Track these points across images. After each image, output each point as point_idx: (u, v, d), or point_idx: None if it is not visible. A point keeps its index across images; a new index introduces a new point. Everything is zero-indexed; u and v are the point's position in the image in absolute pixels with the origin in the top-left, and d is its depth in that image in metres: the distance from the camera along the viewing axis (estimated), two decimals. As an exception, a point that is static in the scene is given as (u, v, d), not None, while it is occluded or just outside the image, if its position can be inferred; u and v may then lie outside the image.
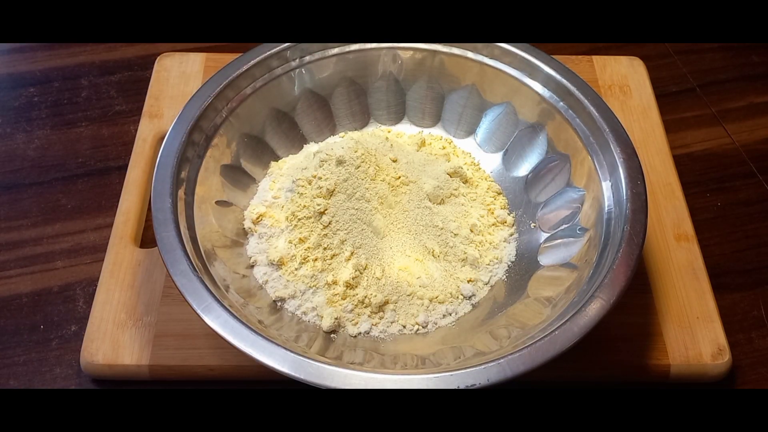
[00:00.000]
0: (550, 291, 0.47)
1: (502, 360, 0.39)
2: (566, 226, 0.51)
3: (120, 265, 0.52)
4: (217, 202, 0.51)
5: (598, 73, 0.65)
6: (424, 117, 0.60)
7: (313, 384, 0.38)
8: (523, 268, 0.51)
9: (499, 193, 0.55)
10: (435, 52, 0.57)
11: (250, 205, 0.54)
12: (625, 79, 0.65)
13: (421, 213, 0.51)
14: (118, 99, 0.66)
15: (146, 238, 0.55)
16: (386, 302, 0.48)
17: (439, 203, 0.52)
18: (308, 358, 0.39)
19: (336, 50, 0.56)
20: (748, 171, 0.61)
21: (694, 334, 0.49)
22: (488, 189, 0.55)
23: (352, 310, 0.48)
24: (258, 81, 0.54)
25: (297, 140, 0.58)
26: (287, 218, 0.51)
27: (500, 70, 0.55)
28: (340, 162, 0.50)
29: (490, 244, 0.52)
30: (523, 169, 0.56)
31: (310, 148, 0.57)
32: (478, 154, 0.58)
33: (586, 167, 0.51)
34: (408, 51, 0.57)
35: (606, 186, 0.49)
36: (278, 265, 0.50)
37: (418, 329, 0.48)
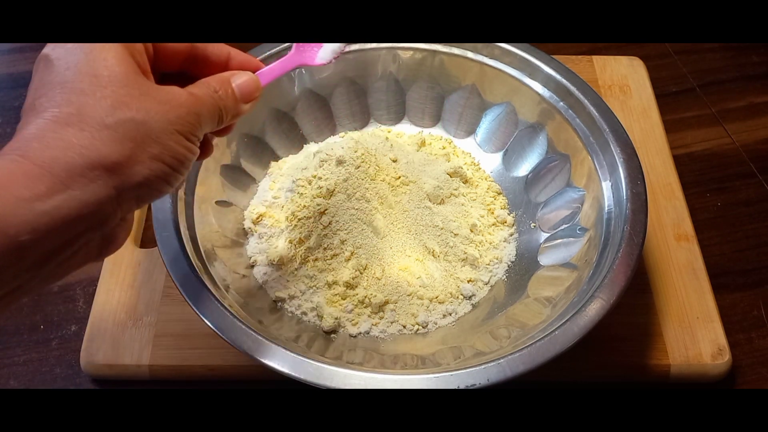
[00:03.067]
0: (550, 291, 0.47)
1: (502, 360, 0.39)
2: (566, 226, 0.51)
3: (120, 265, 0.52)
4: (217, 202, 0.51)
5: (598, 73, 0.65)
6: (424, 117, 0.60)
7: (313, 384, 0.38)
8: (523, 268, 0.51)
9: (499, 193, 0.55)
10: (435, 52, 0.57)
11: (250, 205, 0.54)
12: (625, 79, 0.65)
13: (421, 213, 0.51)
14: (118, 99, 0.66)
15: (146, 238, 0.55)
16: (386, 302, 0.48)
17: (439, 203, 0.52)
18: (308, 358, 0.39)
19: (336, 50, 0.56)
20: (748, 171, 0.61)
21: (694, 334, 0.49)
22: (488, 189, 0.55)
23: (352, 310, 0.48)
24: (258, 81, 0.54)
25: (297, 140, 0.58)
26: (287, 218, 0.51)
27: (500, 70, 0.55)
28: (340, 162, 0.50)
29: (490, 244, 0.52)
30: (523, 169, 0.56)
31: (310, 148, 0.57)
32: (478, 154, 0.58)
33: (586, 167, 0.51)
34: (408, 51, 0.57)
35: (606, 186, 0.49)
36: (278, 265, 0.50)
37: (418, 329, 0.48)
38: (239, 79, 0.36)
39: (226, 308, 0.41)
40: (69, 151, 0.27)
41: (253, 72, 0.37)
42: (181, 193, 0.47)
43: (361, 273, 0.49)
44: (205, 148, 0.37)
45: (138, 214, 0.55)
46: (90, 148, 0.28)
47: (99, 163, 0.28)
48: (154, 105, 0.30)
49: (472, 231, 0.52)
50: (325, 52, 0.42)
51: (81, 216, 0.28)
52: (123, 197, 0.29)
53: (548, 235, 0.51)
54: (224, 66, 0.37)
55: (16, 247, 0.26)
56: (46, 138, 0.28)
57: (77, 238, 0.28)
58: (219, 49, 0.37)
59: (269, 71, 0.39)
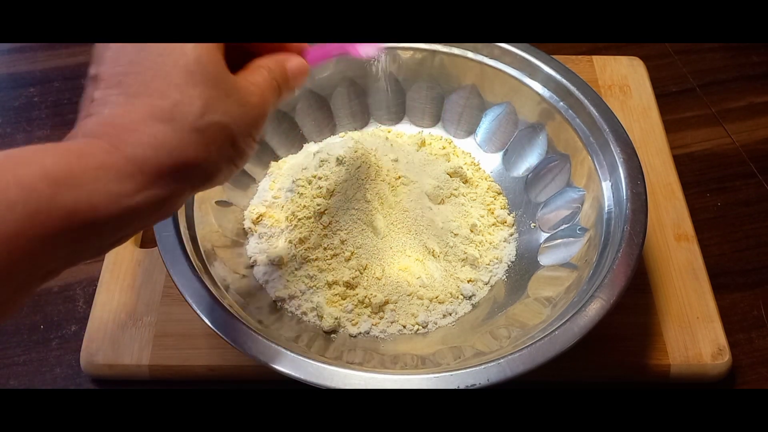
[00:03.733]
0: (550, 291, 0.47)
1: (502, 360, 0.39)
2: (566, 226, 0.51)
3: (120, 265, 0.52)
4: (217, 202, 0.51)
5: (598, 73, 0.65)
6: (424, 117, 0.60)
7: (313, 384, 0.38)
8: (523, 268, 0.51)
9: (499, 193, 0.55)
10: (435, 52, 0.57)
11: (250, 205, 0.54)
12: (625, 79, 0.65)
13: (421, 213, 0.51)
14: (118, 99, 0.66)
15: (146, 238, 0.55)
16: (386, 302, 0.48)
17: (439, 203, 0.52)
18: (308, 358, 0.39)
19: (336, 50, 0.56)
20: (748, 171, 0.61)
21: (694, 334, 0.49)
22: (488, 189, 0.55)
23: (352, 310, 0.48)
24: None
25: (297, 140, 0.58)
26: (287, 218, 0.51)
27: (500, 70, 0.55)
28: (340, 162, 0.50)
29: (490, 244, 0.52)
30: (523, 169, 0.56)
31: (310, 148, 0.57)
32: (478, 154, 0.58)
33: (586, 167, 0.51)
34: (408, 51, 0.57)
35: (606, 186, 0.49)
36: (278, 265, 0.50)
37: (418, 329, 0.48)
38: (292, 63, 0.36)
39: (226, 308, 0.41)
40: (160, 151, 0.29)
41: (300, 53, 0.38)
42: (181, 193, 0.47)
43: (361, 273, 0.49)
44: None
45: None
46: (179, 150, 0.29)
47: (185, 165, 0.30)
48: (236, 108, 0.32)
49: (472, 231, 0.52)
50: (369, 46, 0.42)
51: (159, 209, 0.30)
52: (195, 191, 0.33)
53: (548, 235, 0.51)
54: (276, 48, 0.37)
55: (98, 230, 0.28)
56: (139, 132, 0.29)
57: (149, 223, 0.31)
58: None
59: (314, 53, 0.39)
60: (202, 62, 0.30)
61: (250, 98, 0.33)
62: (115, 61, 0.30)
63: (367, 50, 0.42)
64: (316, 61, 0.39)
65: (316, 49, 0.39)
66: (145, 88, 0.29)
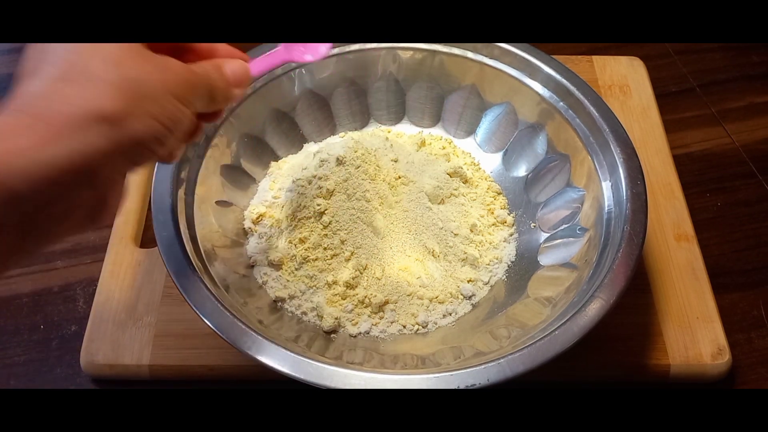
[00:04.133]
0: (550, 291, 0.47)
1: (502, 360, 0.39)
2: (566, 226, 0.51)
3: (120, 265, 0.52)
4: (217, 202, 0.51)
5: (598, 73, 0.65)
6: (424, 117, 0.60)
7: (313, 384, 0.38)
8: (523, 268, 0.51)
9: (499, 193, 0.55)
10: (435, 52, 0.57)
11: (250, 205, 0.54)
12: (625, 79, 0.65)
13: (421, 213, 0.51)
14: (118, 99, 0.66)
15: (146, 238, 0.55)
16: (386, 302, 0.48)
17: (439, 203, 0.52)
18: (308, 358, 0.39)
19: (336, 50, 0.56)
20: (748, 171, 0.61)
21: (694, 334, 0.49)
22: (488, 189, 0.55)
23: (352, 310, 0.48)
24: (258, 81, 0.54)
25: (297, 140, 0.58)
26: (287, 218, 0.51)
27: (500, 70, 0.55)
28: (340, 162, 0.50)
29: (490, 244, 0.52)
30: (523, 169, 0.56)
31: (310, 148, 0.57)
32: (478, 154, 0.58)
33: (586, 167, 0.51)
34: (408, 51, 0.57)
35: (606, 186, 0.49)
36: (278, 265, 0.50)
37: (418, 329, 0.48)
38: (231, 65, 0.37)
39: (226, 308, 0.41)
40: (69, 106, 0.29)
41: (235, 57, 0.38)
42: (181, 193, 0.47)
43: (361, 273, 0.49)
44: (194, 131, 0.38)
45: (138, 214, 0.55)
46: (90, 101, 0.29)
47: (98, 114, 0.29)
48: (152, 68, 0.32)
49: (472, 231, 0.52)
50: (312, 51, 0.43)
51: (76, 166, 0.28)
52: (117, 152, 0.30)
53: (548, 235, 0.51)
54: (209, 56, 0.38)
55: (14, 197, 0.27)
56: (48, 95, 0.29)
57: (71, 190, 0.29)
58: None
59: (258, 63, 0.40)
60: (123, 46, 0.31)
61: (173, 66, 0.33)
62: (34, 57, 0.32)
63: (314, 52, 0.42)
64: (258, 69, 0.40)
65: (258, 59, 0.40)
66: (56, 64, 0.30)
